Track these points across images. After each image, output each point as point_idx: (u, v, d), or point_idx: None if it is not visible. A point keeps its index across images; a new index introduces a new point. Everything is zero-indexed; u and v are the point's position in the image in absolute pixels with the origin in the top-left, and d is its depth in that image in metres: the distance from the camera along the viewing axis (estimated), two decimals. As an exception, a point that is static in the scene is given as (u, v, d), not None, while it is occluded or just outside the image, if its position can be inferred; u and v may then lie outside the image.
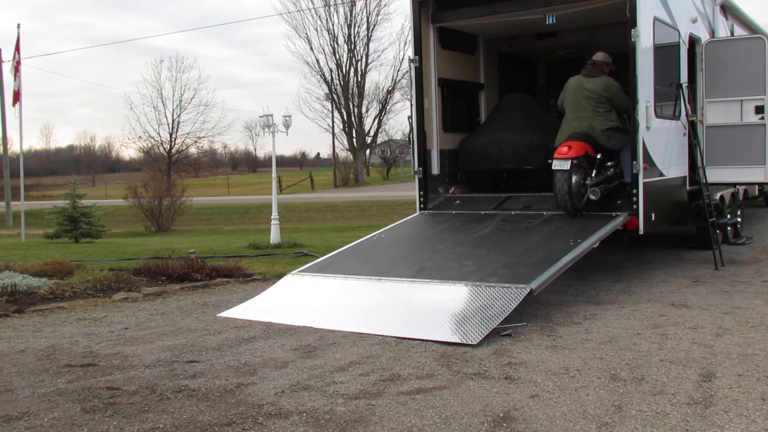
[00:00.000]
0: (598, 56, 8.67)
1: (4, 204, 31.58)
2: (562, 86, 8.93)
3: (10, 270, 8.74)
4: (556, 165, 7.90)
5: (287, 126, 16.35)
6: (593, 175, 8.29)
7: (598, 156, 8.37)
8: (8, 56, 24.59)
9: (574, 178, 7.91)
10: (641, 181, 7.93)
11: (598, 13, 9.02)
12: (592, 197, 8.05)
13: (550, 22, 9.10)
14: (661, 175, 8.58)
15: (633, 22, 7.84)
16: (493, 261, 6.96)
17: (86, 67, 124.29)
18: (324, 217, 28.16)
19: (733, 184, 10.83)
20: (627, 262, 9.41)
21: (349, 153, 53.35)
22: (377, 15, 48.06)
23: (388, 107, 50.57)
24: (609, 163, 8.62)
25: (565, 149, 8.00)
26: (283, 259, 11.23)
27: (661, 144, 8.60)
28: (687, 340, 5.40)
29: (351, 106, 49.32)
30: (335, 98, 49.03)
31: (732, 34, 11.41)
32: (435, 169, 9.76)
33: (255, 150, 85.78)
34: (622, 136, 8.49)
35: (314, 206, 30.71)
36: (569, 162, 7.84)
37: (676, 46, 9.05)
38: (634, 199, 7.96)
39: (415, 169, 9.53)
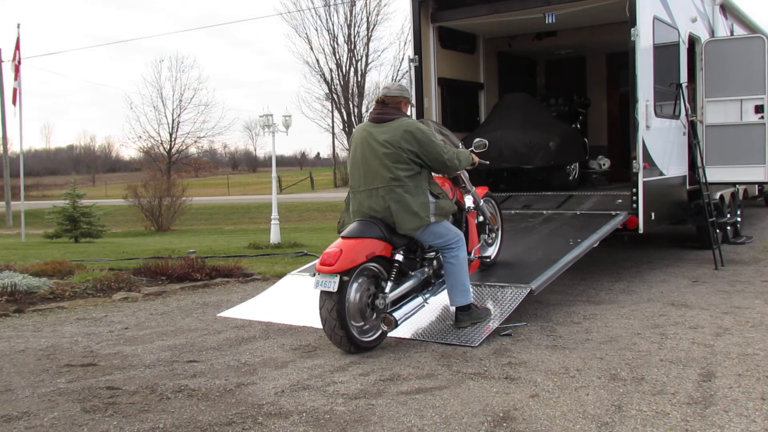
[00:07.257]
0: (391, 90, 5.51)
1: (4, 204, 31.57)
2: (562, 86, 8.91)
3: (10, 270, 8.74)
4: (319, 283, 4.98)
5: (287, 126, 16.38)
6: (388, 289, 5.21)
7: (398, 256, 5.28)
8: (8, 56, 24.63)
9: (352, 299, 5.06)
10: (641, 180, 7.94)
11: (598, 12, 9.03)
12: (385, 328, 5.13)
13: (550, 21, 9.12)
14: (661, 174, 8.59)
15: (632, 22, 7.85)
16: (492, 261, 6.90)
17: (86, 67, 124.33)
18: (324, 217, 28.14)
19: (733, 184, 10.85)
20: (627, 262, 9.41)
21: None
22: (377, 15, 47.93)
23: (388, 107, 50.48)
24: (430, 254, 5.59)
25: (333, 253, 4.94)
26: (283, 259, 11.23)
27: (661, 143, 8.61)
28: (687, 339, 5.40)
29: (351, 105, 49.24)
30: (335, 98, 48.97)
31: (732, 33, 11.42)
32: None
33: (255, 150, 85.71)
34: (442, 225, 5.41)
35: (314, 206, 30.71)
36: (336, 280, 4.89)
37: (675, 46, 9.06)
38: (634, 198, 7.96)
39: (415, 168, 9.49)
